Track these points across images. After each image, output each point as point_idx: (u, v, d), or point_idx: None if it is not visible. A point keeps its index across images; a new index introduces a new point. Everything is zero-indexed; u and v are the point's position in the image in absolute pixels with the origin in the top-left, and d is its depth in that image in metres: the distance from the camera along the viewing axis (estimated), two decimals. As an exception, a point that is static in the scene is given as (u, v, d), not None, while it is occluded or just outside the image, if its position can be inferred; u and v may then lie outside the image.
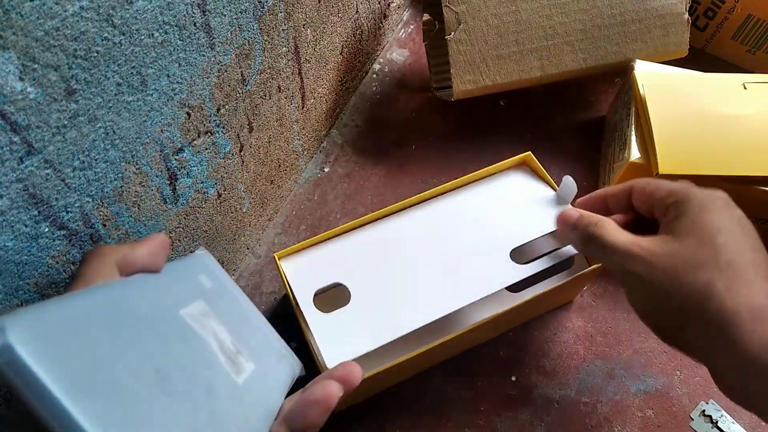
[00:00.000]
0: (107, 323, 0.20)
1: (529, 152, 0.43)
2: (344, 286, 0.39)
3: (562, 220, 0.37)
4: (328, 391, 0.26)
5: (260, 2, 0.36)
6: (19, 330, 0.17)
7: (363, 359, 0.37)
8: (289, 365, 0.30)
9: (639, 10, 0.48)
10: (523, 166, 0.45)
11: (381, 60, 0.61)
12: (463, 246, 0.40)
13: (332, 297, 0.41)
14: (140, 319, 0.22)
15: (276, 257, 0.39)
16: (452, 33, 0.47)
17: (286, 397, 0.28)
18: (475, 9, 0.47)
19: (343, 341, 0.37)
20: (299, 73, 0.45)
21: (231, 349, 0.26)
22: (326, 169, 0.53)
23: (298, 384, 0.29)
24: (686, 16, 0.49)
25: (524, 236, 0.40)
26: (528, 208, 0.41)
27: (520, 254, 0.40)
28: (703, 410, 0.41)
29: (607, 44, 0.49)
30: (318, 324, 0.38)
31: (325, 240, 0.41)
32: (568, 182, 0.40)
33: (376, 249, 0.41)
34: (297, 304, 0.38)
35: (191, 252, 0.28)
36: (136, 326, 0.22)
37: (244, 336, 0.28)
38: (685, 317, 0.28)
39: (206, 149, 0.36)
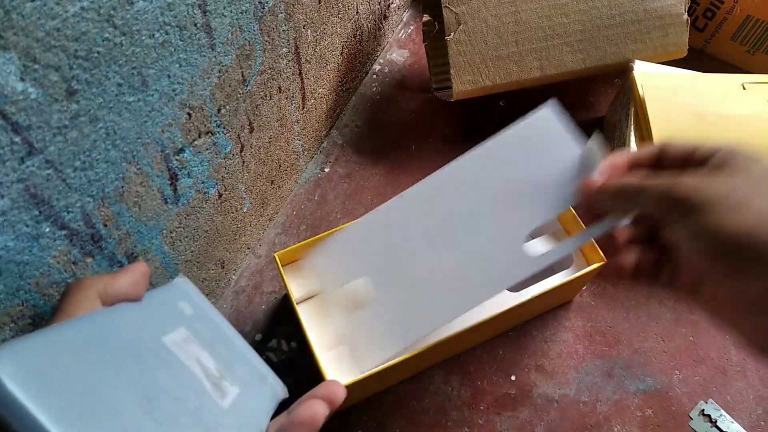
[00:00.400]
0: (93, 353, 0.21)
1: None
2: (346, 288, 0.39)
3: (584, 188, 0.32)
4: (314, 411, 0.26)
5: (261, 3, 0.36)
6: (7, 363, 0.17)
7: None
8: (272, 387, 0.30)
9: (638, 10, 0.48)
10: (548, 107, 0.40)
11: (381, 61, 0.61)
12: (469, 237, 0.36)
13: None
14: (125, 347, 0.22)
15: (276, 257, 0.39)
16: (452, 34, 0.47)
17: (272, 418, 0.28)
18: (474, 10, 0.47)
19: (341, 351, 0.37)
20: (300, 73, 0.45)
21: (215, 374, 0.26)
22: (326, 170, 0.53)
23: (284, 404, 0.29)
24: (685, 16, 0.49)
25: (537, 219, 0.35)
26: (545, 180, 0.35)
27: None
28: (702, 410, 0.41)
29: (607, 45, 0.49)
30: (315, 331, 0.38)
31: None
32: (592, 148, 0.33)
33: (379, 244, 0.39)
34: (295, 307, 0.38)
35: (172, 279, 0.29)
36: (122, 355, 0.22)
37: (227, 360, 0.28)
38: (761, 236, 0.25)
39: (207, 149, 0.36)
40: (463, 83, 0.49)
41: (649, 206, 0.29)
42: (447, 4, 0.47)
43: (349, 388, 0.35)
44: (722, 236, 0.26)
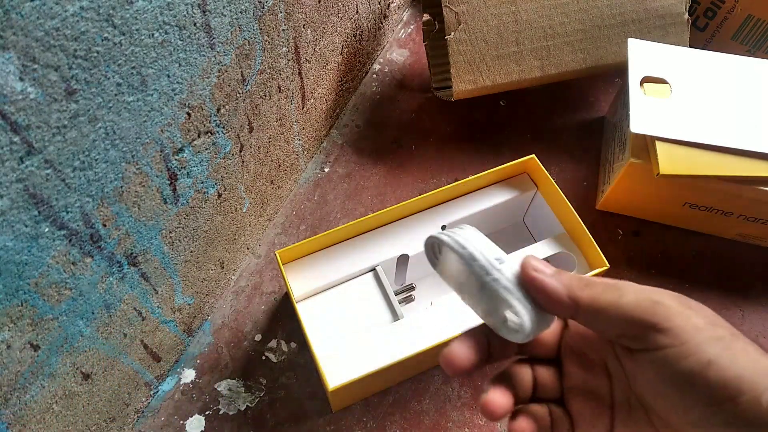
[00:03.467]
0: None
1: (533, 155, 0.43)
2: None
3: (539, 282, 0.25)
4: None
5: (260, 2, 0.36)
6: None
7: (363, 359, 0.37)
8: None
9: (639, 10, 0.48)
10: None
11: (381, 60, 0.61)
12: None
13: (331, 299, 0.41)
14: None
15: (277, 255, 0.39)
16: (452, 33, 0.47)
17: None
18: (475, 9, 0.47)
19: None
20: (299, 73, 0.45)
21: None
22: (326, 169, 0.53)
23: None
24: (686, 16, 0.49)
25: None
26: None
27: None
28: (703, 410, 0.41)
29: (607, 44, 0.49)
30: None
31: (325, 239, 0.41)
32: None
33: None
34: (295, 306, 0.38)
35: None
36: None
37: None
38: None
39: (206, 149, 0.36)
40: (463, 83, 0.49)
41: (619, 325, 0.24)
42: (447, 4, 0.47)
43: (349, 387, 0.35)
44: (714, 373, 0.22)
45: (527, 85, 0.50)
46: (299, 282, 0.40)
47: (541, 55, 0.49)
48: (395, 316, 0.39)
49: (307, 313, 0.40)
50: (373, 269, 0.41)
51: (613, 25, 0.49)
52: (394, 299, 0.40)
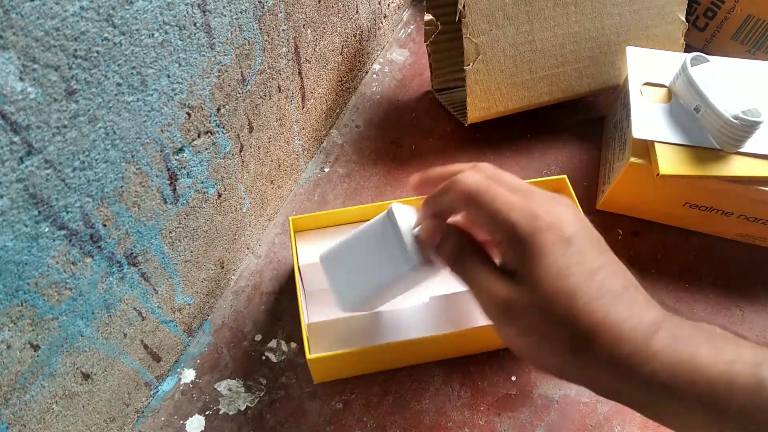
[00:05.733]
0: None
1: (564, 176, 0.45)
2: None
3: (427, 231, 0.32)
4: None
5: (260, 2, 0.36)
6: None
7: (348, 336, 0.40)
8: None
9: (641, 37, 0.50)
10: None
11: (381, 60, 0.61)
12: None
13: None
14: None
15: (290, 220, 0.42)
16: (470, 64, 0.47)
17: None
18: (494, 40, 0.48)
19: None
20: (299, 73, 0.45)
21: None
22: (326, 169, 0.53)
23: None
24: (682, 41, 0.51)
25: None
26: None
27: None
28: (703, 410, 0.41)
29: (610, 69, 0.51)
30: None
31: (337, 216, 0.43)
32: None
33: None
34: (296, 269, 0.41)
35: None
36: None
37: None
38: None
39: (206, 149, 0.36)
40: (477, 110, 0.50)
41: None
42: (468, 35, 0.47)
43: (329, 360, 0.37)
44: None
45: (535, 107, 0.51)
46: (306, 250, 0.42)
47: (551, 81, 0.50)
48: (409, 263, 0.34)
49: (307, 279, 0.42)
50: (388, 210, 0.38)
51: (618, 52, 0.50)
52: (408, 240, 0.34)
